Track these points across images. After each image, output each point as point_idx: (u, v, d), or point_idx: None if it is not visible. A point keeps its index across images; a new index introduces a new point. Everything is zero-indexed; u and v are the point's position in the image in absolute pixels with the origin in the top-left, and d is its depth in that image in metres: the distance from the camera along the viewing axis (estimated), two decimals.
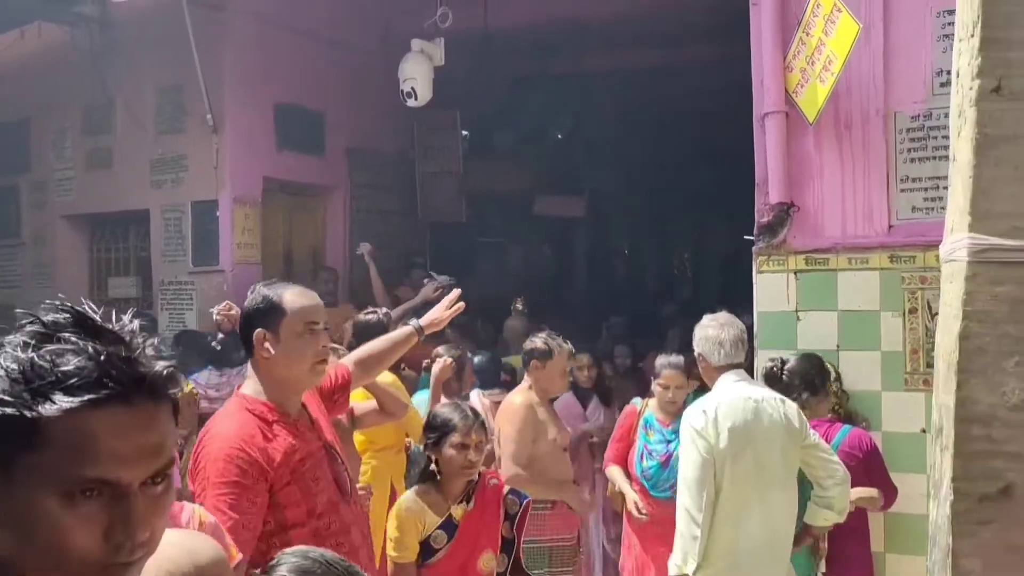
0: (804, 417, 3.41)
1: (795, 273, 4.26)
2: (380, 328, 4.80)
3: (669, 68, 8.04)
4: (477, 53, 7.50)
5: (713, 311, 3.62)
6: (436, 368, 4.66)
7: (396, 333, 3.26)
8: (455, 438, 3.12)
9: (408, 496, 3.19)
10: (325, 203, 8.02)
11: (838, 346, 4.20)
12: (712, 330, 3.43)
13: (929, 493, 1.41)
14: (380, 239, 8.27)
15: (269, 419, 2.42)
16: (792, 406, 3.40)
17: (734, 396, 3.34)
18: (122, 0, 6.46)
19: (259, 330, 2.46)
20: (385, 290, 7.13)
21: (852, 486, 3.83)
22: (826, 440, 3.92)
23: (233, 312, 5.66)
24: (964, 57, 1.22)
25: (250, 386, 2.52)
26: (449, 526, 3.11)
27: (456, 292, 3.31)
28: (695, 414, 3.36)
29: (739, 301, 4.76)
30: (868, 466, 3.84)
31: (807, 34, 4.01)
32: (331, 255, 7.96)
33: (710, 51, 7.34)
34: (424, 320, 3.23)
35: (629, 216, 11.14)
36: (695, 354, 3.51)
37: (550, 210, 9.64)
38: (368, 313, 5.00)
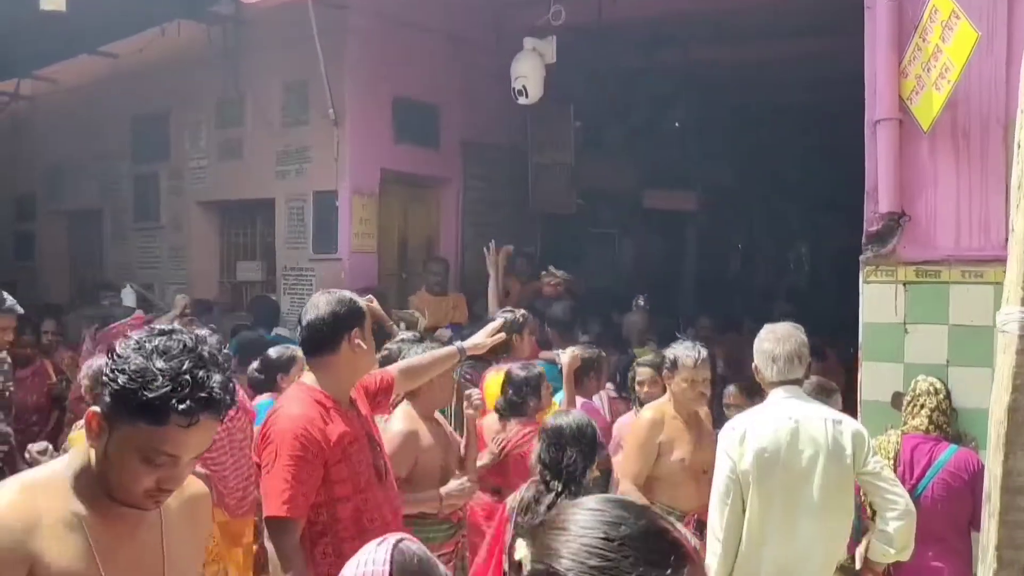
0: (867, 442, 3.18)
1: (904, 284, 4.15)
2: (517, 326, 4.94)
3: (782, 61, 7.85)
4: (590, 46, 7.53)
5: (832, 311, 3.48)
6: (566, 359, 4.65)
7: (440, 351, 3.58)
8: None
9: None
10: (439, 194, 8.24)
11: (948, 361, 4.07)
12: (768, 344, 3.29)
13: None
14: (491, 230, 8.44)
15: (327, 406, 2.82)
16: (850, 429, 3.19)
17: (773, 415, 3.21)
18: (254, 0, 6.79)
19: (356, 328, 2.87)
20: (497, 297, 6.80)
21: (956, 508, 3.73)
22: (930, 460, 3.82)
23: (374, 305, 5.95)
24: (1022, 131, 1.21)
25: (309, 377, 2.92)
26: None
27: (499, 323, 3.65)
28: (725, 431, 3.29)
29: (855, 299, 4.60)
30: (974, 488, 3.71)
31: (923, 40, 3.88)
32: (444, 245, 8.18)
33: (825, 44, 7.12)
34: (468, 343, 3.57)
35: (742, 211, 10.94)
36: (753, 367, 3.38)
37: (660, 204, 9.58)
38: (505, 311, 5.11)
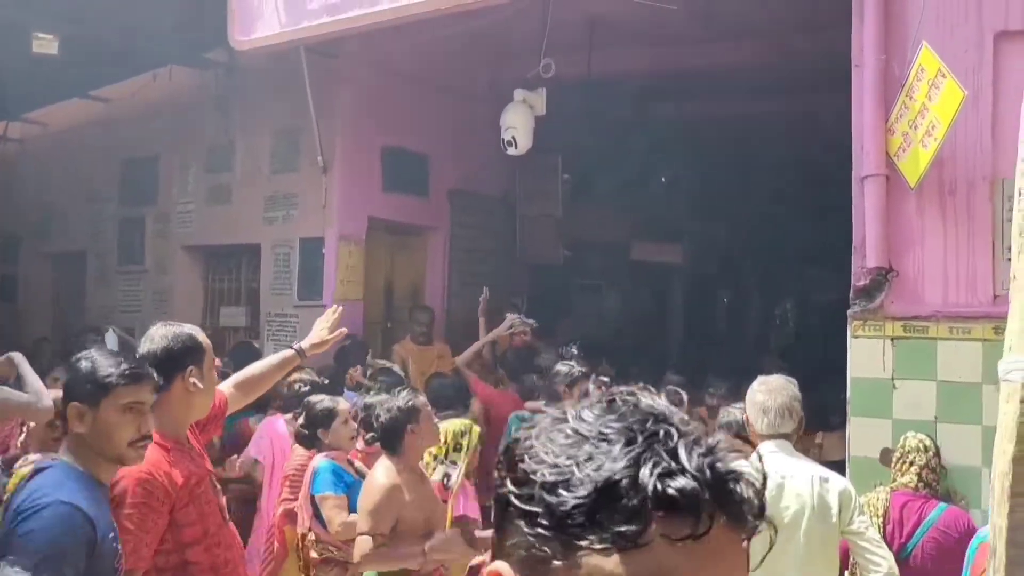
0: (853, 500, 3.17)
1: (892, 340, 4.14)
2: (571, 380, 4.89)
3: (772, 117, 7.96)
4: (580, 99, 7.61)
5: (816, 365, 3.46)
6: None
7: (275, 356, 3.31)
8: None
9: None
10: (427, 243, 8.23)
11: (936, 418, 4.05)
12: (760, 395, 3.27)
13: None
14: (479, 280, 8.42)
15: (167, 446, 2.68)
16: (836, 487, 3.17)
17: (757, 470, 3.21)
18: (247, 48, 6.83)
19: (192, 366, 2.72)
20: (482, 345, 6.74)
21: (946, 567, 3.67)
22: (920, 518, 3.78)
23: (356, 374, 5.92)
24: (1022, 178, 1.21)
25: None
26: None
27: (338, 311, 3.33)
28: None
29: (842, 354, 4.56)
30: (965, 547, 3.66)
31: (910, 98, 3.93)
32: (430, 294, 8.14)
33: (814, 103, 7.24)
34: (306, 343, 3.28)
35: (729, 265, 11.00)
36: (743, 417, 3.39)
37: (647, 256, 9.61)
38: (563, 363, 5.00)
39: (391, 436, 3.72)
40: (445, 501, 4.04)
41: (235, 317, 8.19)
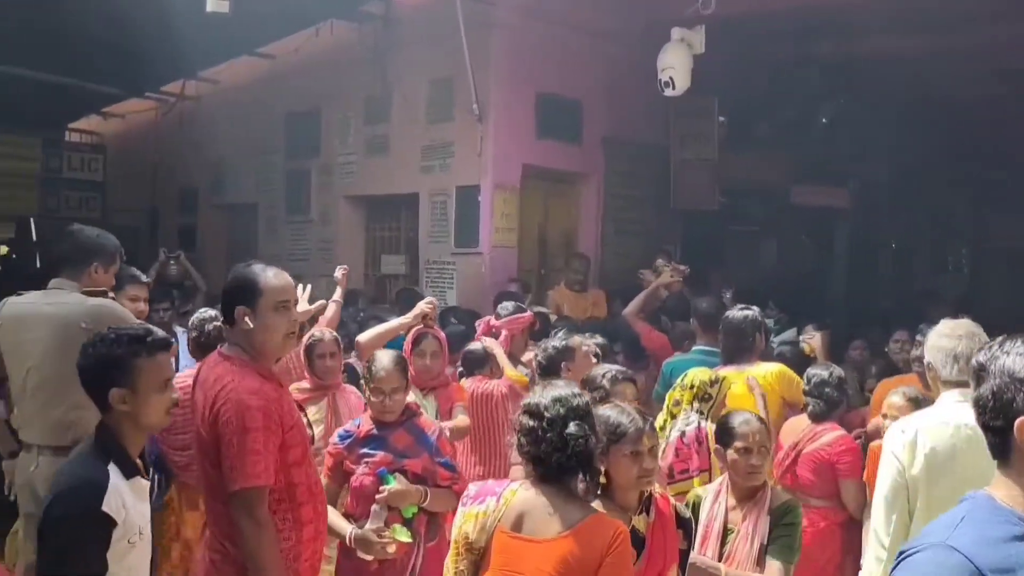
0: None
1: None
2: (757, 325, 4.68)
3: (941, 53, 7.37)
4: (738, 38, 7.31)
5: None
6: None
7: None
8: (626, 447, 2.75)
9: None
10: (580, 190, 8.21)
11: None
12: (949, 341, 3.06)
13: None
14: (632, 227, 8.36)
15: (263, 374, 2.86)
16: None
17: (945, 419, 2.99)
18: None
19: (241, 306, 2.85)
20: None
21: None
22: None
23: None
24: None
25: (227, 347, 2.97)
26: (636, 539, 2.74)
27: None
28: (894, 434, 3.09)
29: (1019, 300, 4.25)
30: None
31: None
32: (583, 241, 8.14)
33: (987, 35, 6.67)
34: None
35: (898, 208, 10.35)
36: (925, 363, 3.16)
37: (810, 200, 9.20)
38: (743, 308, 4.76)
39: (547, 373, 4.12)
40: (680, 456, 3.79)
41: (395, 265, 8.47)
